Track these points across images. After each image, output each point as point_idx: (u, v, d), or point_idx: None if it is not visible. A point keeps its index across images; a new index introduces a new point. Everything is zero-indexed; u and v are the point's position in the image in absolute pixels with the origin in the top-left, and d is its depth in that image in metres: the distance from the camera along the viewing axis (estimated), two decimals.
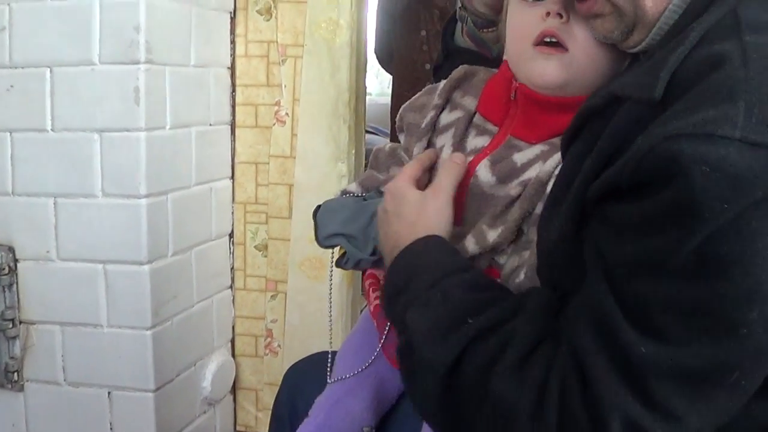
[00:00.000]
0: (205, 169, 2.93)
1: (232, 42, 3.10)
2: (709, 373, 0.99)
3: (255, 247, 3.18)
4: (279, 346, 3.14)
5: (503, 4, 1.61)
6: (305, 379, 1.86)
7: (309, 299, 3.03)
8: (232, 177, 3.15)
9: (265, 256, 3.16)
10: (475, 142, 1.56)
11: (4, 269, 2.63)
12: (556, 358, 1.12)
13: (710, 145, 0.94)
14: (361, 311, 3.27)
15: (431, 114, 1.63)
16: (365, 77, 3.22)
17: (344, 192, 1.72)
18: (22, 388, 2.74)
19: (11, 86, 2.60)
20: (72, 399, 2.71)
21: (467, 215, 1.52)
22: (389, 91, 7.68)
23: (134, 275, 2.59)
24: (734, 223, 0.93)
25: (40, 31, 2.56)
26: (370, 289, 1.69)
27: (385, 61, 4.94)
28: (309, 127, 2.97)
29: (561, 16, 1.39)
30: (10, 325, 2.66)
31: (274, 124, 3.06)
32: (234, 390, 3.27)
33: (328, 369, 1.75)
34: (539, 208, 1.41)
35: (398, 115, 1.73)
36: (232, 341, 3.25)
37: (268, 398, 3.13)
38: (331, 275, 1.85)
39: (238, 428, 3.31)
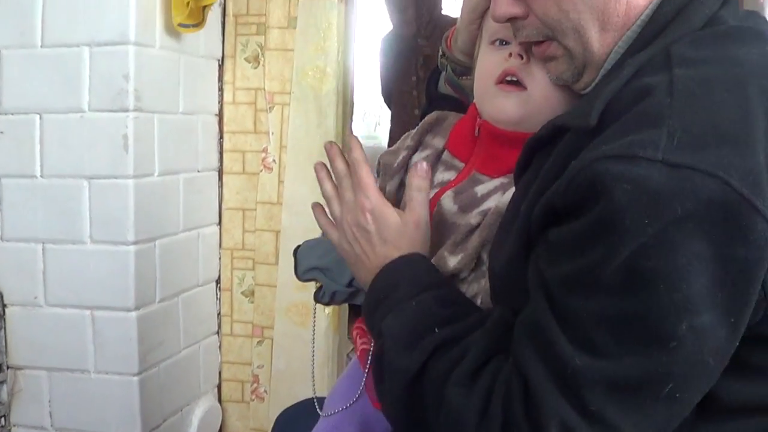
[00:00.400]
0: (192, 216, 2.95)
1: (220, 89, 3.13)
2: (642, 385, 1.03)
3: (242, 293, 3.19)
4: (265, 391, 3.14)
5: None
6: (296, 424, 1.87)
7: (295, 345, 3.04)
8: (220, 223, 3.17)
9: (252, 302, 3.17)
10: (442, 176, 1.62)
11: None
12: (503, 370, 1.17)
13: (632, 166, 0.99)
14: (347, 355, 3.29)
15: (404, 154, 1.69)
16: (352, 124, 3.24)
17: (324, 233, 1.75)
18: None
19: (1, 132, 2.62)
20: None
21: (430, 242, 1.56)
22: (376, 134, 7.72)
23: (122, 321, 2.60)
24: (657, 238, 0.98)
25: (30, 78, 2.59)
26: (357, 336, 1.71)
27: (388, 105, 5.03)
28: (296, 174, 3.00)
29: (522, 57, 1.47)
30: None
31: (261, 171, 3.08)
32: None
33: (319, 410, 1.78)
34: None
35: (378, 159, 1.77)
36: (219, 387, 3.25)
37: None
38: (315, 317, 1.89)
39: None
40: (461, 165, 1.62)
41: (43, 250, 2.63)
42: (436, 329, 1.29)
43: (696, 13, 1.21)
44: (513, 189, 1.45)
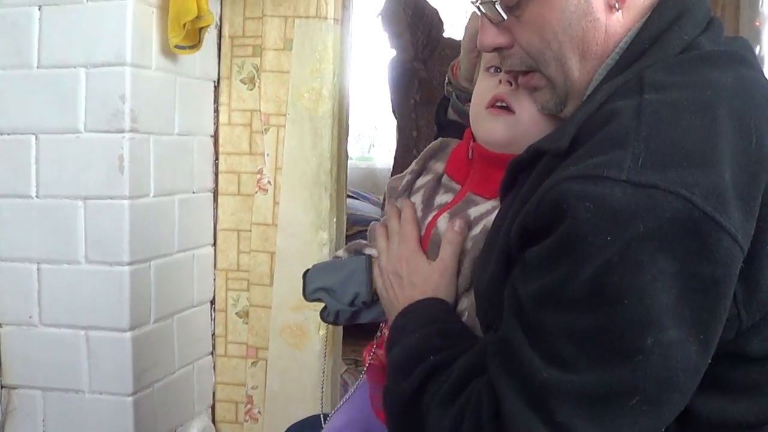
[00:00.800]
0: (187, 237, 2.95)
1: (216, 111, 3.14)
2: (608, 398, 1.05)
3: (236, 313, 3.18)
4: (259, 412, 3.14)
5: None
6: None
7: (289, 366, 3.04)
8: (215, 244, 3.17)
9: (246, 323, 3.17)
10: (441, 199, 1.69)
11: None
12: (478, 388, 1.20)
13: (595, 185, 1.02)
14: (341, 376, 3.29)
15: (408, 178, 1.77)
16: (347, 146, 3.25)
17: (335, 257, 1.87)
18: None
19: None
20: None
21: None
22: (370, 155, 7.76)
23: (116, 341, 2.60)
24: (621, 255, 1.00)
25: (26, 98, 2.60)
26: (366, 354, 1.80)
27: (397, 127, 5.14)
28: (291, 196, 3.01)
29: (511, 84, 1.52)
30: None
31: (256, 192, 3.09)
32: None
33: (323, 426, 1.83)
34: None
35: (387, 184, 1.86)
36: (213, 407, 3.24)
37: None
38: (326, 334, 1.97)
39: None
40: (458, 187, 1.68)
41: (38, 269, 2.63)
42: (431, 357, 1.34)
43: (673, 40, 1.25)
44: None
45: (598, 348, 1.04)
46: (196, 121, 3.01)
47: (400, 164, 4.92)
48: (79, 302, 2.61)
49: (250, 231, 3.12)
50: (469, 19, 1.73)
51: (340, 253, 1.84)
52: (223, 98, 3.13)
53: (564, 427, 1.05)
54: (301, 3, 3.01)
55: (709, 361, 1.06)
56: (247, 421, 3.17)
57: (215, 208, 3.16)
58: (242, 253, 3.15)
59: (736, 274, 1.03)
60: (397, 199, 1.74)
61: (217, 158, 3.15)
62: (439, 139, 1.83)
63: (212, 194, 3.14)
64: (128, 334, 2.60)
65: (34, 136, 2.60)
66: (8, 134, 2.63)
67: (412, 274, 1.58)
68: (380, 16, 5.02)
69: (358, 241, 1.84)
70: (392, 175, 4.90)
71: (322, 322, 2.92)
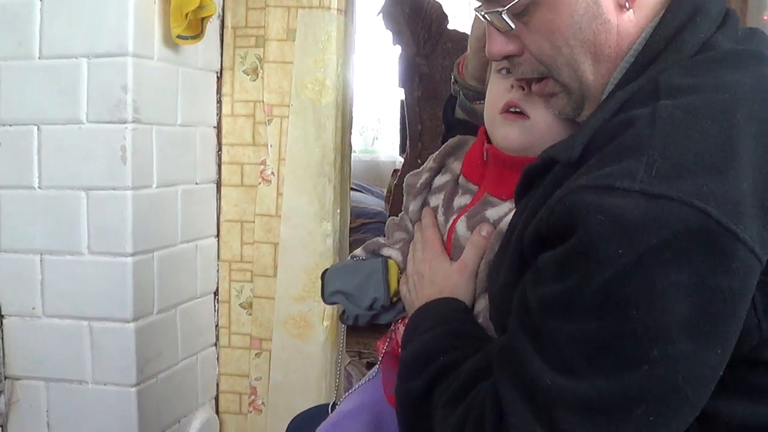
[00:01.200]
0: (190, 228, 2.95)
1: (219, 101, 3.13)
2: (613, 407, 1.04)
3: (240, 305, 3.18)
4: (263, 403, 3.14)
5: None
6: (308, 426, 1.90)
7: (293, 357, 3.04)
8: (218, 235, 3.16)
9: (250, 314, 3.16)
10: (460, 201, 1.69)
11: None
12: (483, 392, 1.20)
13: (608, 196, 1.01)
14: (345, 368, 3.28)
15: (426, 176, 1.78)
16: (350, 137, 3.25)
17: (352, 256, 1.86)
18: None
19: None
20: None
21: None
22: (374, 148, 7.77)
23: (120, 332, 2.60)
24: (632, 266, 0.99)
25: (28, 89, 2.59)
26: (381, 346, 1.83)
27: None
28: (294, 187, 3.00)
29: (523, 89, 1.51)
30: None
31: (259, 183, 3.08)
32: None
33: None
34: None
35: (404, 180, 1.87)
36: (216, 399, 3.24)
37: None
38: (344, 335, 2.10)
39: None
40: (475, 188, 1.69)
41: (41, 261, 2.63)
42: (441, 357, 1.35)
43: (689, 39, 1.22)
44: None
45: (604, 357, 1.03)
46: (198, 112, 3.00)
47: (408, 160, 4.96)
48: (82, 293, 2.60)
49: (254, 222, 3.11)
50: (475, 17, 1.69)
51: (358, 252, 1.85)
52: (225, 89, 3.12)
53: None
54: None
55: (725, 369, 1.05)
56: (250, 412, 3.17)
57: (218, 199, 3.15)
58: (246, 244, 3.15)
59: (753, 285, 1.02)
60: (416, 198, 1.76)
61: (220, 149, 3.14)
62: (457, 136, 1.84)
63: (215, 185, 3.14)
64: (131, 325, 2.59)
65: (36, 127, 2.59)
66: (10, 125, 2.62)
67: (434, 274, 1.60)
68: (381, 15, 5.04)
69: (376, 239, 1.86)
70: (403, 169, 4.93)
71: (325, 313, 2.93)
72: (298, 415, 2.04)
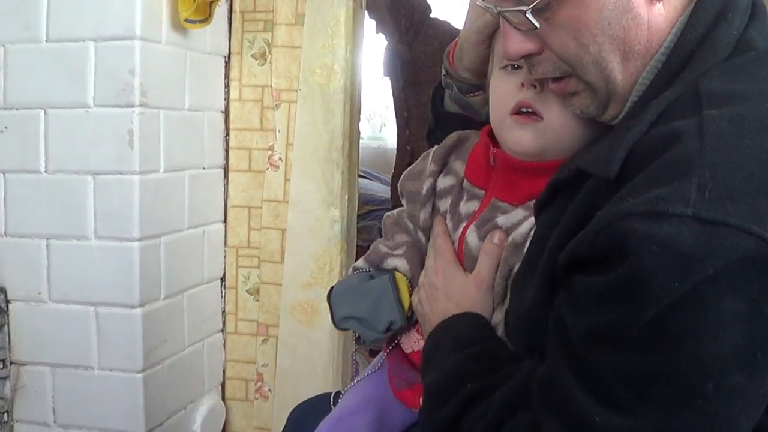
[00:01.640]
0: (198, 213, 2.94)
1: (226, 86, 3.12)
2: None
3: (247, 291, 3.17)
4: (269, 390, 3.13)
5: (487, 69, 1.64)
6: (310, 417, 1.88)
7: (300, 344, 3.03)
8: (225, 221, 3.15)
9: (257, 301, 3.15)
10: (466, 207, 1.60)
11: None
12: (522, 426, 1.15)
13: (661, 225, 0.95)
14: (351, 355, 3.28)
15: (429, 180, 1.67)
16: (359, 122, 3.23)
17: (354, 268, 1.79)
18: (11, 429, 2.72)
19: (5, 127, 2.62)
20: None
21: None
22: (381, 134, 7.76)
23: (126, 318, 2.59)
24: (686, 298, 0.94)
25: (35, 72, 2.58)
26: (385, 346, 1.76)
27: None
28: (302, 172, 2.98)
29: (535, 87, 1.41)
30: (1, 366, 2.66)
31: (267, 169, 3.07)
32: None
33: (331, 406, 1.80)
34: (517, 267, 1.45)
35: (399, 183, 1.78)
36: (223, 385, 3.24)
37: None
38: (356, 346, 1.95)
39: None
40: (481, 193, 1.60)
41: (47, 245, 2.62)
42: (468, 384, 1.29)
43: (722, 37, 1.16)
44: (529, 220, 1.45)
45: (657, 391, 0.99)
46: (206, 97, 2.98)
47: (400, 148, 4.98)
48: (88, 278, 2.60)
49: (261, 208, 3.10)
50: (471, 8, 1.61)
51: (360, 263, 1.77)
52: (233, 73, 3.11)
53: None
54: None
55: None
56: (257, 398, 3.17)
57: (226, 184, 3.14)
58: (253, 230, 3.14)
59: None
60: (425, 205, 1.66)
61: (227, 134, 3.13)
62: (456, 132, 1.73)
63: (223, 170, 3.13)
64: (138, 311, 2.59)
65: (42, 111, 2.58)
66: (17, 109, 2.61)
67: (448, 286, 1.53)
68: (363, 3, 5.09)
69: (377, 247, 1.78)
70: (396, 158, 4.93)
71: None
72: (300, 404, 2.01)
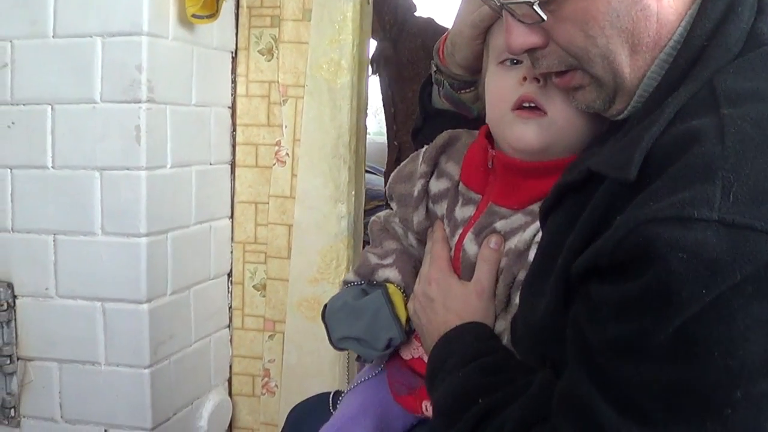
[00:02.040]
0: (204, 209, 2.93)
1: (233, 82, 3.11)
2: None
3: (253, 286, 3.17)
4: (276, 386, 3.13)
5: (480, 65, 1.61)
6: (308, 418, 1.87)
7: (307, 340, 3.02)
8: (232, 216, 3.16)
9: (264, 296, 3.15)
10: (462, 212, 1.57)
11: (2, 305, 2.63)
12: None
13: (687, 230, 0.93)
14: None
15: (421, 182, 1.63)
16: (366, 118, 3.22)
17: (345, 282, 1.77)
18: (18, 424, 2.73)
19: (12, 123, 2.61)
20: None
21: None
22: None
23: (133, 314, 2.59)
24: (714, 305, 0.92)
25: (42, 68, 2.58)
26: None
27: None
28: (309, 168, 2.98)
29: (538, 81, 1.39)
30: (8, 361, 2.66)
31: (274, 164, 3.07)
32: (230, 429, 3.25)
33: (330, 407, 1.79)
34: (521, 275, 1.43)
35: (387, 185, 1.75)
36: (230, 381, 3.24)
37: None
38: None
39: None
40: (478, 197, 1.56)
41: (54, 241, 2.62)
42: (480, 400, 1.27)
43: (733, 32, 1.14)
44: (533, 226, 1.42)
45: (684, 402, 0.97)
46: (213, 92, 2.98)
47: (389, 144, 5.02)
48: (95, 274, 2.60)
49: (268, 203, 3.10)
50: (464, 1, 1.59)
51: (351, 277, 1.75)
52: (240, 69, 3.11)
53: None
54: None
55: None
56: (264, 394, 3.17)
57: (233, 180, 3.14)
58: (260, 226, 3.14)
59: None
60: (417, 208, 1.63)
61: (234, 130, 3.13)
62: (447, 131, 1.69)
63: (230, 166, 3.13)
64: (145, 306, 2.59)
65: (50, 107, 2.58)
66: (24, 105, 2.61)
67: (446, 297, 1.51)
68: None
69: (367, 257, 1.76)
70: (389, 155, 4.97)
71: None
72: (298, 405, 1.99)
